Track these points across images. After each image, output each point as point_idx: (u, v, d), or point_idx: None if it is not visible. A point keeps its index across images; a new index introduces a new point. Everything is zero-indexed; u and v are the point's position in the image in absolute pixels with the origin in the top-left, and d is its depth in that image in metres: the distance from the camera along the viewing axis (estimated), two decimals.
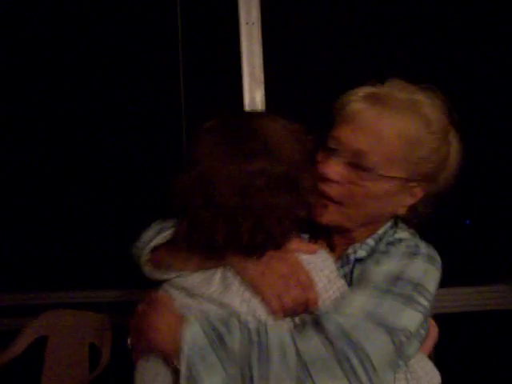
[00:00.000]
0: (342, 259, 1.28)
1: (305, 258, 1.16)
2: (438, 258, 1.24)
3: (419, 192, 1.26)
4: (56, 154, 2.76)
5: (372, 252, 1.26)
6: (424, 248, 1.23)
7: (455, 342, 2.50)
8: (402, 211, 1.27)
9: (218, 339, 1.05)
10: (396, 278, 1.15)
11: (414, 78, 1.27)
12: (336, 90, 1.31)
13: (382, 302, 1.11)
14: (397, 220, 1.32)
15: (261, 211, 1.09)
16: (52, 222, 2.79)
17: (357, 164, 1.20)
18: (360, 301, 1.11)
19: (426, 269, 1.19)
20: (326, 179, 1.20)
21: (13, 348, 2.48)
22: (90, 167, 2.75)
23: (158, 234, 1.27)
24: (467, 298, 2.59)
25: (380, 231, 1.29)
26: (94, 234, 2.73)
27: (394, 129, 1.18)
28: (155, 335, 1.11)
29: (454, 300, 2.55)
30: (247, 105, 2.31)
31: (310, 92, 2.41)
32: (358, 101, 1.23)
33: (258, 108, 2.29)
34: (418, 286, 1.15)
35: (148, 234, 1.32)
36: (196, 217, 1.12)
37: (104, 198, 2.76)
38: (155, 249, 1.25)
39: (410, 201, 1.26)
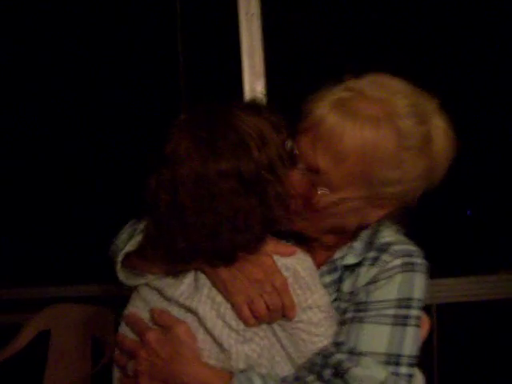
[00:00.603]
0: (328, 265, 1.21)
1: (283, 261, 1.08)
2: (426, 262, 1.18)
3: (389, 205, 1.15)
4: (54, 153, 2.74)
5: (361, 258, 1.18)
6: (417, 256, 1.16)
7: (458, 331, 2.51)
8: (370, 222, 1.17)
9: None
10: (407, 306, 1.10)
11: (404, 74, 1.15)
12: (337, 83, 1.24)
13: (403, 338, 1.07)
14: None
15: (225, 214, 1.01)
16: (52, 215, 2.79)
17: (312, 181, 1.11)
18: (379, 340, 1.07)
19: (425, 283, 1.15)
20: None
21: (15, 342, 2.48)
22: (90, 165, 2.74)
23: (130, 238, 1.21)
24: (470, 288, 2.58)
25: (365, 233, 1.20)
26: (95, 227, 2.73)
27: (358, 145, 1.05)
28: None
29: (456, 290, 2.54)
30: (247, 97, 2.29)
31: (312, 85, 2.38)
32: (324, 106, 1.10)
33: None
34: (420, 302, 1.13)
35: (122, 237, 1.27)
36: (161, 219, 1.06)
37: (106, 190, 2.75)
38: (128, 254, 1.19)
39: (378, 213, 1.16)
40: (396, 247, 1.16)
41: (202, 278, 1.09)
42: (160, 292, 1.13)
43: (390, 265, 1.13)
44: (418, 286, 1.12)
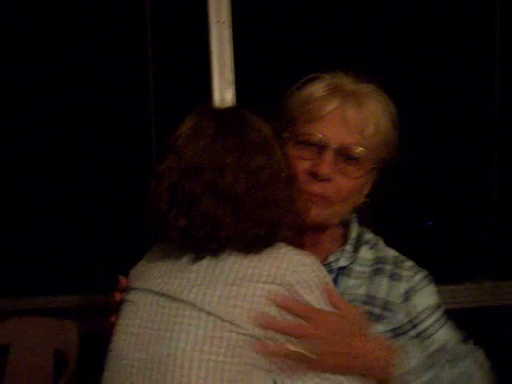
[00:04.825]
0: (324, 267, 1.24)
1: (297, 258, 1.11)
2: None
3: (374, 178, 1.33)
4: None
5: (352, 259, 1.31)
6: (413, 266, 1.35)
7: None
8: (362, 200, 1.34)
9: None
10: (440, 311, 1.32)
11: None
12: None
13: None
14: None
15: (265, 205, 1.10)
16: (15, 224, 2.70)
17: (346, 156, 1.24)
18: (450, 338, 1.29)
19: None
20: (316, 178, 1.22)
21: None
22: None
23: None
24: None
25: (353, 235, 1.35)
26: (58, 238, 2.65)
27: (373, 122, 1.25)
28: (359, 360, 1.09)
29: None
30: (217, 105, 2.27)
31: (282, 93, 2.38)
32: (328, 95, 1.25)
33: None
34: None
35: None
36: (199, 208, 1.09)
37: (70, 199, 2.67)
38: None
39: (368, 188, 1.34)
40: (407, 264, 1.34)
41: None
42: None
43: (416, 279, 1.31)
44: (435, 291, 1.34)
